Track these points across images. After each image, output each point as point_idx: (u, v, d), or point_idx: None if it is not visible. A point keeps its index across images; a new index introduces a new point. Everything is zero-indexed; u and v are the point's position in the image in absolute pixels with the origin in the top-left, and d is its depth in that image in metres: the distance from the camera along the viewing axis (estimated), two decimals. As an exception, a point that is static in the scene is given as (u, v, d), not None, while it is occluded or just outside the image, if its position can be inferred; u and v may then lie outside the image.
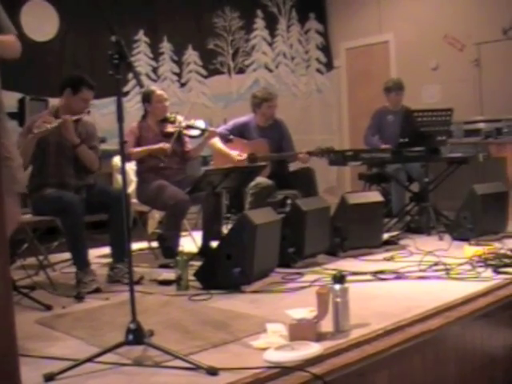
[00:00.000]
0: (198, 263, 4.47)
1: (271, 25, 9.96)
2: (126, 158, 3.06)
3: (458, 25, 8.74)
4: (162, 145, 5.46)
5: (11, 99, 6.84)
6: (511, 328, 3.81)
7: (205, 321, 3.47)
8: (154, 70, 8.72)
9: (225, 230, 5.69)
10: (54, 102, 5.96)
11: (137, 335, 2.82)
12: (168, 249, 5.17)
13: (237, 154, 6.07)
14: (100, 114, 7.61)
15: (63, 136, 4.66)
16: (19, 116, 6.73)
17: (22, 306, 3.94)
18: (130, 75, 7.24)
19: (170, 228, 5.26)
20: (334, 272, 3.82)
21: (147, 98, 5.64)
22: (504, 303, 3.73)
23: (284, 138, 6.39)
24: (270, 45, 9.96)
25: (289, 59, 10.17)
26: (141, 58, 8.57)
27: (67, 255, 4.78)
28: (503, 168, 6.97)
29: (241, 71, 9.61)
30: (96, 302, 4.06)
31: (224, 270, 4.10)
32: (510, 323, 3.80)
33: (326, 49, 10.47)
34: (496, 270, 4.26)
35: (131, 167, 5.76)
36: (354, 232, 5.12)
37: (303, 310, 3.23)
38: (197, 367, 2.66)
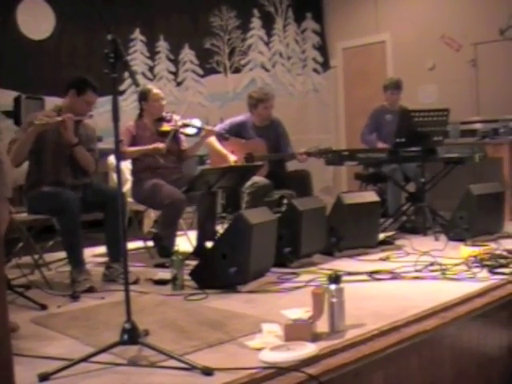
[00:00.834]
0: (193, 263, 4.46)
1: (268, 24, 9.95)
2: (119, 156, 3.05)
3: (455, 25, 8.74)
4: (156, 145, 5.44)
5: (7, 97, 6.84)
6: (507, 328, 3.81)
7: (200, 321, 3.46)
8: (150, 68, 8.71)
9: (221, 229, 5.68)
10: (50, 100, 5.97)
11: (132, 335, 2.81)
12: (163, 248, 5.17)
13: (234, 159, 6.04)
14: (96, 112, 7.58)
15: (62, 134, 4.64)
16: (15, 114, 6.71)
17: (17, 305, 3.93)
18: (126, 74, 7.23)
19: (166, 227, 5.25)
20: (329, 272, 3.83)
21: (144, 96, 5.63)
22: (500, 303, 3.73)
23: (281, 137, 6.38)
24: (267, 44, 9.95)
25: (285, 59, 10.16)
26: (137, 57, 8.56)
27: (63, 254, 4.78)
28: (499, 168, 6.97)
29: (237, 70, 9.60)
30: (91, 302, 4.05)
31: (220, 270, 4.10)
32: (505, 323, 3.80)
33: (322, 48, 10.46)
34: (492, 270, 4.26)
35: (127, 166, 5.75)
36: (350, 232, 5.12)
37: (299, 310, 3.23)
38: (192, 367, 2.65)
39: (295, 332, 2.93)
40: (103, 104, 7.49)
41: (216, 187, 5.41)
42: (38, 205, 4.63)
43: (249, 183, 5.77)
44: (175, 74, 8.96)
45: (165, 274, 4.48)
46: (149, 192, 5.34)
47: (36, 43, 7.53)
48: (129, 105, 8.08)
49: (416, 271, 4.40)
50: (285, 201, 6.28)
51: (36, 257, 5.08)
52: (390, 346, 2.99)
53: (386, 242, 5.52)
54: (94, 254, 5.61)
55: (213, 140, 6.09)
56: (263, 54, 9.90)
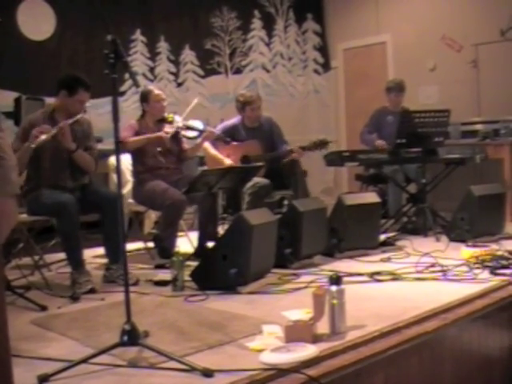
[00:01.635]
0: (193, 264, 4.47)
1: (268, 25, 9.95)
2: (121, 147, 3.04)
3: (456, 26, 8.74)
4: (160, 133, 5.44)
5: (7, 98, 6.83)
6: (508, 330, 3.80)
7: (200, 322, 3.46)
8: (151, 69, 8.70)
9: (221, 230, 5.68)
10: (50, 101, 5.94)
11: (132, 336, 2.81)
12: (164, 249, 5.16)
13: (230, 163, 6.03)
14: (96, 113, 7.58)
15: (60, 142, 4.61)
16: (15, 115, 6.70)
17: (17, 306, 3.93)
18: (127, 75, 7.22)
19: (167, 228, 5.25)
20: (330, 273, 3.82)
21: (145, 97, 5.62)
22: (501, 305, 3.72)
23: (274, 135, 6.35)
24: (268, 45, 9.94)
25: (286, 60, 10.16)
26: (138, 58, 8.56)
27: (63, 255, 4.77)
28: (500, 169, 6.96)
29: (238, 71, 9.60)
30: (91, 303, 4.05)
31: (220, 271, 4.09)
32: (506, 325, 3.79)
33: (323, 49, 10.45)
34: (493, 271, 4.25)
35: (127, 167, 5.75)
36: (351, 233, 5.11)
37: (299, 311, 3.22)
38: (192, 369, 2.65)
39: (296, 333, 2.92)
40: (103, 105, 7.50)
41: (216, 188, 5.40)
42: (37, 208, 4.62)
43: (250, 184, 5.76)
44: (176, 74, 8.96)
45: (165, 275, 4.48)
46: (149, 193, 5.33)
47: (36, 44, 7.53)
48: (129, 106, 8.07)
49: (417, 272, 4.40)
50: (285, 202, 6.28)
51: (36, 258, 5.08)
52: (390, 348, 2.98)
53: (387, 243, 5.51)
54: (94, 255, 5.60)
55: (208, 146, 6.08)
56: (264, 54, 9.90)
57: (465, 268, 4.40)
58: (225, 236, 4.33)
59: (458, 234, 5.51)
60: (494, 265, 4.39)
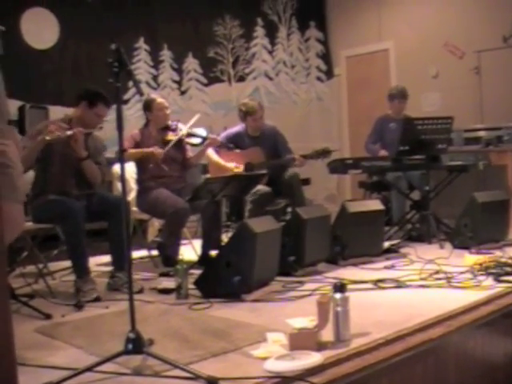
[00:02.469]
0: (197, 271, 4.47)
1: (271, 33, 9.98)
2: (119, 159, 3.05)
3: (458, 32, 8.75)
4: (153, 149, 5.44)
5: (11, 107, 6.80)
6: (512, 337, 3.80)
7: (204, 330, 3.45)
8: (154, 77, 8.73)
9: (225, 238, 5.68)
10: (54, 109, 5.97)
11: (136, 344, 2.80)
12: (168, 257, 5.17)
13: (233, 165, 6.05)
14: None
15: (71, 147, 4.63)
16: (19, 124, 6.72)
17: (22, 314, 3.93)
18: (130, 83, 7.24)
19: (170, 236, 5.25)
20: (334, 280, 3.82)
21: (148, 106, 5.64)
22: (505, 312, 3.71)
23: (279, 144, 6.36)
24: (270, 53, 9.97)
25: (289, 67, 10.18)
26: (141, 66, 8.59)
27: (67, 263, 4.77)
28: (504, 176, 6.96)
29: (241, 79, 9.63)
30: (96, 311, 4.05)
31: (224, 279, 4.09)
32: (511, 332, 3.78)
33: (326, 57, 10.48)
34: (497, 278, 4.24)
35: (132, 175, 5.76)
36: (355, 240, 5.10)
37: (304, 319, 3.22)
38: (196, 377, 2.64)
39: (300, 341, 2.92)
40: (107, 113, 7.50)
41: (220, 196, 5.41)
42: (43, 213, 4.63)
43: (251, 191, 5.76)
44: (179, 82, 8.98)
45: (169, 283, 4.47)
46: (153, 201, 5.34)
47: (40, 53, 7.56)
48: (133, 114, 8.10)
49: (421, 279, 4.39)
50: (289, 209, 6.27)
51: (40, 266, 5.08)
52: (395, 355, 2.97)
53: (391, 251, 5.50)
54: (99, 263, 5.60)
55: (211, 152, 6.09)
56: (267, 62, 9.93)
57: (469, 275, 4.39)
58: (229, 244, 4.33)
59: (461, 240, 5.50)
60: (498, 271, 4.37)
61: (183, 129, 5.64)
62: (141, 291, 4.48)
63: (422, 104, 8.92)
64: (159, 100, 5.68)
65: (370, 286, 4.31)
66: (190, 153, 5.79)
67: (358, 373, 2.77)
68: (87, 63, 7.87)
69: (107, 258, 4.95)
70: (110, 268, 4.80)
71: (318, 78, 10.47)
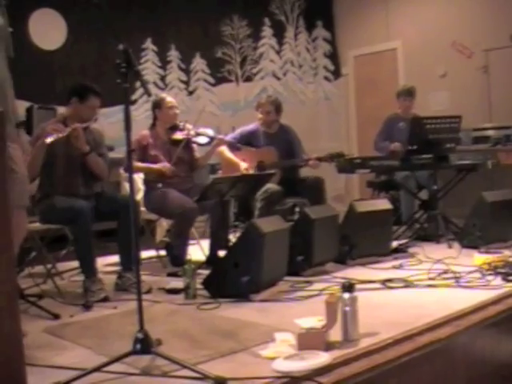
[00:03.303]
0: (205, 272, 4.47)
1: (279, 33, 9.97)
2: (126, 168, 3.06)
3: (466, 32, 8.73)
4: (161, 166, 5.42)
5: (19, 108, 6.82)
6: (521, 337, 3.78)
7: (213, 330, 3.46)
8: (162, 78, 8.74)
9: (233, 238, 5.68)
10: (61, 110, 5.97)
11: (144, 344, 2.81)
12: (176, 257, 5.17)
13: (245, 166, 6.05)
14: (108, 122, 7.61)
15: (73, 145, 4.65)
16: (27, 125, 6.73)
17: (30, 314, 3.94)
18: (138, 84, 7.25)
19: (178, 236, 5.26)
20: (342, 280, 3.82)
21: (157, 104, 5.64)
22: (514, 312, 3.70)
23: (293, 143, 6.37)
24: (278, 53, 9.96)
25: (296, 67, 10.17)
26: (148, 67, 8.60)
27: (75, 264, 4.78)
28: (512, 175, 6.93)
29: (248, 79, 9.62)
30: (104, 311, 4.06)
31: (232, 279, 4.09)
32: (520, 332, 3.77)
33: (333, 56, 10.46)
34: (506, 277, 4.23)
35: (139, 175, 5.76)
36: (363, 240, 5.10)
37: (312, 318, 3.21)
38: (205, 377, 2.64)
39: (308, 341, 2.92)
40: (115, 113, 7.54)
41: (228, 196, 5.41)
42: (51, 215, 4.64)
43: (262, 190, 5.76)
44: (187, 83, 8.99)
45: (177, 283, 4.48)
46: (160, 201, 5.34)
47: (48, 53, 7.58)
48: (140, 114, 8.11)
49: (429, 279, 4.38)
50: (297, 209, 6.27)
51: (49, 266, 5.09)
52: (403, 355, 2.97)
53: (399, 250, 5.50)
54: (106, 264, 5.61)
55: (224, 149, 6.11)
56: (274, 62, 9.92)
57: (477, 274, 4.38)
58: (237, 244, 4.33)
59: (470, 240, 5.48)
60: (507, 271, 4.36)
61: (191, 128, 5.65)
62: (149, 291, 4.48)
63: (430, 103, 8.89)
64: (169, 99, 5.69)
65: (378, 285, 4.30)
66: (198, 153, 5.79)
67: (366, 373, 2.77)
68: (95, 64, 7.88)
69: (115, 258, 4.96)
70: (117, 268, 4.81)
71: (326, 78, 10.45)
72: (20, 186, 2.96)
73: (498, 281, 4.20)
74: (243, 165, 6.06)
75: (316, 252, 4.76)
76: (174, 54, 8.85)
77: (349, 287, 3.10)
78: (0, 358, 2.09)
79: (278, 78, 9.94)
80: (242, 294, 4.07)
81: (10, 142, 2.83)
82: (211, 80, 9.22)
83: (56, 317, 3.88)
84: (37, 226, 4.73)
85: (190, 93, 9.02)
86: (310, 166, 6.17)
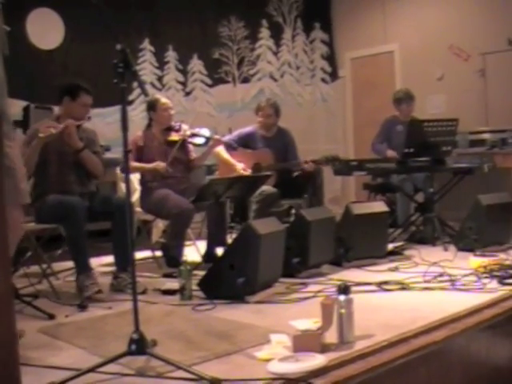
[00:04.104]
0: (201, 273, 4.46)
1: (276, 34, 9.97)
2: (123, 169, 3.05)
3: (464, 35, 8.74)
4: (156, 164, 5.42)
5: (16, 107, 6.86)
6: (517, 340, 3.78)
7: (208, 331, 3.45)
8: (159, 78, 8.74)
9: (229, 239, 5.68)
10: (56, 110, 5.96)
11: (140, 345, 2.80)
12: (172, 258, 5.16)
13: (242, 166, 6.06)
14: (105, 122, 7.61)
15: (66, 142, 4.65)
16: (24, 124, 6.73)
17: (25, 314, 3.93)
18: (135, 84, 7.25)
19: (174, 237, 5.25)
20: (338, 282, 3.81)
21: (152, 106, 5.63)
22: (509, 314, 3.70)
23: (289, 147, 6.38)
24: (275, 54, 9.97)
25: (294, 69, 10.17)
26: (146, 67, 8.60)
27: (70, 264, 4.77)
28: (508, 178, 6.95)
29: (245, 80, 9.63)
30: (99, 312, 4.05)
31: (228, 280, 4.08)
32: (515, 335, 3.77)
33: (330, 58, 10.46)
34: (501, 281, 4.23)
35: (136, 176, 5.75)
36: (359, 242, 5.10)
37: (307, 320, 3.21)
38: (200, 378, 2.64)
39: (304, 343, 2.92)
40: (112, 114, 7.54)
41: (224, 197, 5.40)
42: (45, 213, 4.63)
43: (257, 192, 5.76)
44: (184, 84, 8.99)
45: (173, 284, 4.47)
46: (157, 202, 5.34)
47: (45, 53, 7.57)
48: (137, 114, 8.11)
49: (425, 282, 4.38)
50: (293, 211, 6.27)
51: (44, 266, 5.08)
52: (399, 358, 2.97)
53: (395, 253, 5.49)
54: (101, 264, 5.60)
55: (221, 149, 6.11)
56: (272, 63, 9.92)
57: (473, 277, 4.38)
58: (232, 245, 4.32)
59: (466, 243, 5.48)
60: (503, 274, 4.37)
61: (187, 129, 5.64)
62: (144, 292, 4.47)
63: (427, 106, 8.89)
64: (163, 100, 5.68)
65: (374, 288, 4.30)
66: (194, 154, 5.78)
67: (361, 375, 2.77)
68: (92, 64, 7.87)
69: (109, 259, 4.95)
70: (112, 268, 4.80)
71: (323, 80, 10.45)
72: (17, 184, 2.96)
73: (494, 284, 4.20)
74: (239, 165, 6.06)
75: (312, 254, 4.76)
76: (171, 55, 8.85)
77: (344, 289, 3.10)
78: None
79: (275, 80, 9.94)
80: (237, 296, 4.06)
81: (7, 140, 2.83)
82: (208, 81, 9.22)
83: (51, 317, 3.87)
84: (32, 225, 4.72)
85: (187, 94, 9.02)
86: (306, 168, 6.18)
